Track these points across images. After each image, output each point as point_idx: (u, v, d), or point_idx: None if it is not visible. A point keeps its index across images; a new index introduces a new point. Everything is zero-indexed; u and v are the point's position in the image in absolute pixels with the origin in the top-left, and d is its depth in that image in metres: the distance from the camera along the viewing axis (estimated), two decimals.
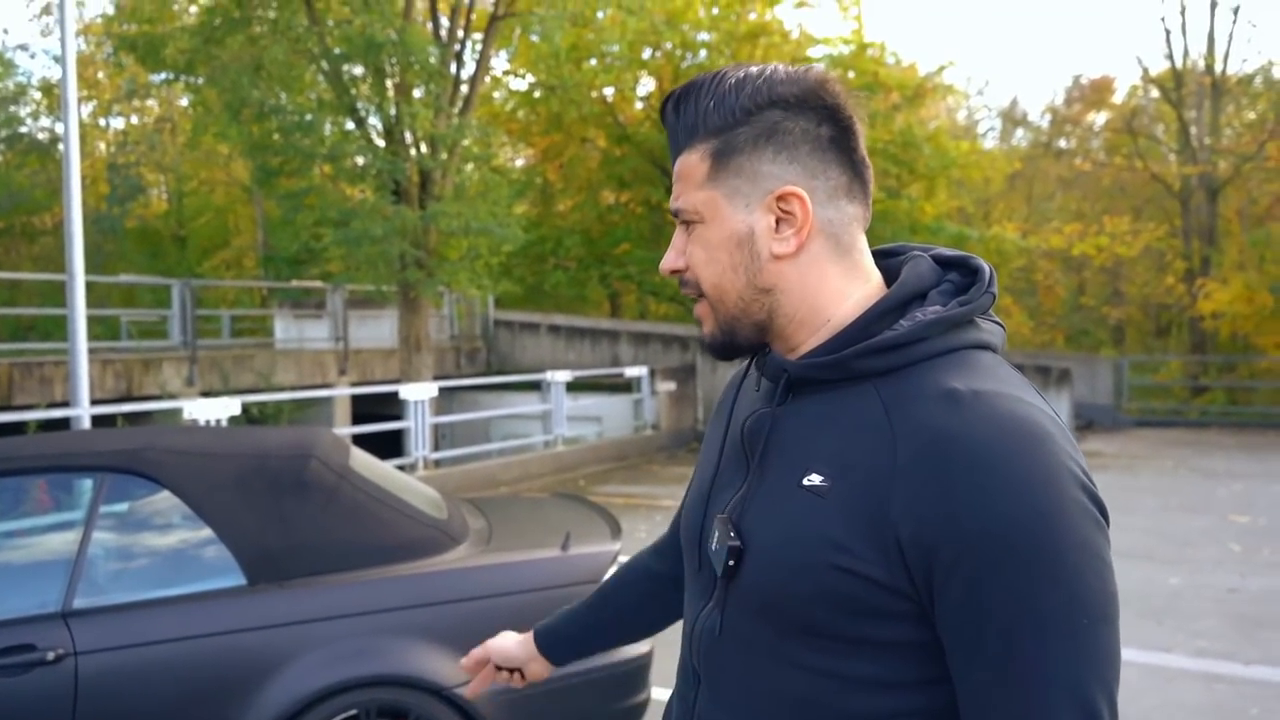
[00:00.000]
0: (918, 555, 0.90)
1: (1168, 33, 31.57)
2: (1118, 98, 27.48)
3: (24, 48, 37.29)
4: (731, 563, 1.01)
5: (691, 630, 1.11)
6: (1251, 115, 23.27)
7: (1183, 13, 27.71)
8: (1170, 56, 22.35)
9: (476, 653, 1.56)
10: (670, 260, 1.09)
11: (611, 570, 3.34)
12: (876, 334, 1.00)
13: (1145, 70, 24.07)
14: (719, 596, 1.05)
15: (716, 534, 1.04)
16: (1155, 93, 24.15)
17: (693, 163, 1.05)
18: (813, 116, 1.02)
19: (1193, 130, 21.84)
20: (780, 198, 1.02)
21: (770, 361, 1.07)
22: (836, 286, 1.04)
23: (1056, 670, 0.87)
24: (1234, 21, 27.90)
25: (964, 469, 0.89)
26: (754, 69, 1.03)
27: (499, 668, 1.54)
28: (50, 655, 2.74)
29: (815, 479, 0.97)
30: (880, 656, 0.94)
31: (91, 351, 9.68)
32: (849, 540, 0.93)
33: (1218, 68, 21.52)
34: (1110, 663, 0.89)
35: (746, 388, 1.17)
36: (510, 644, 1.53)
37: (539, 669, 1.51)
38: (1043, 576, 0.87)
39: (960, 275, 1.08)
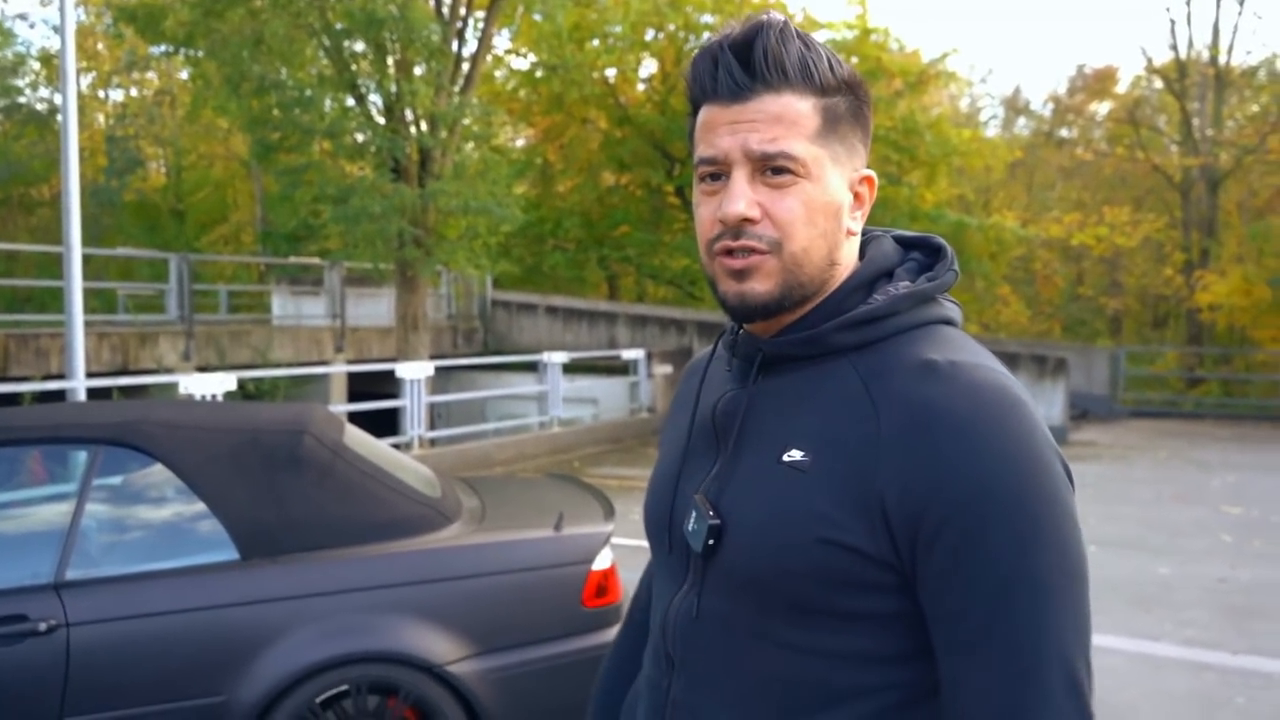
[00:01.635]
0: (903, 523, 0.91)
1: (1172, 23, 31.68)
2: (1121, 88, 27.43)
3: (23, 17, 37.08)
4: (711, 542, 1.00)
5: (665, 615, 1.09)
6: (1254, 108, 23.20)
7: (1188, 3, 27.84)
8: (1174, 47, 22.34)
9: None
10: (745, 207, 0.97)
11: (603, 552, 3.35)
12: (850, 309, 1.02)
13: (1149, 60, 24.12)
14: (695, 578, 1.04)
15: (694, 514, 1.03)
16: (1158, 83, 24.11)
17: (803, 111, 0.98)
18: (868, 105, 1.04)
19: (1195, 122, 21.78)
20: (864, 179, 1.04)
21: (743, 340, 1.07)
22: (848, 268, 1.06)
23: (1043, 631, 0.88)
24: (1239, 13, 27.67)
25: (948, 437, 0.90)
26: (814, 38, 1.01)
27: None
28: (42, 626, 2.75)
29: (796, 455, 0.97)
30: (866, 630, 0.95)
31: (88, 324, 9.67)
32: (835, 513, 0.93)
33: (1222, 59, 21.47)
34: (1087, 622, 0.92)
35: (714, 370, 1.16)
36: None
37: None
38: (1032, 539, 0.89)
39: (923, 254, 1.11)
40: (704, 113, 1.02)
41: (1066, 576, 0.90)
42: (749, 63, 0.97)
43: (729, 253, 1.00)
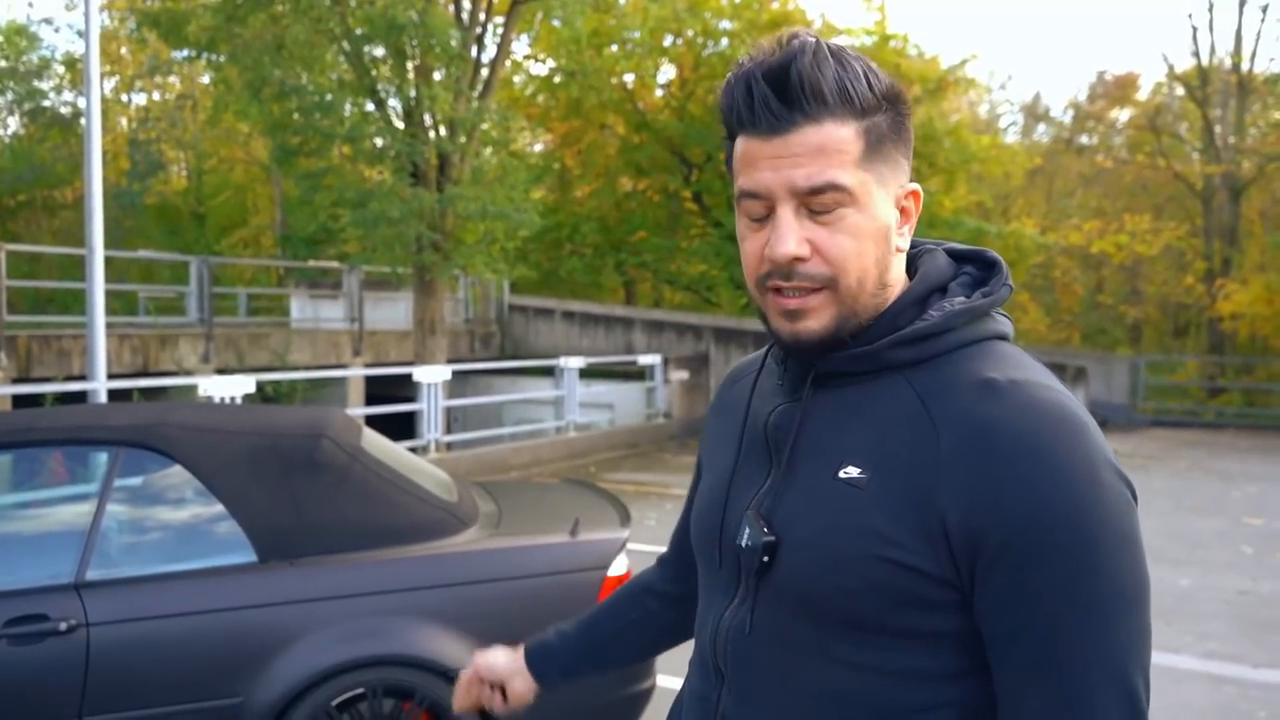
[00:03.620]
0: (964, 542, 0.91)
1: (1194, 30, 31.32)
2: (1142, 94, 27.28)
3: (48, 21, 37.46)
4: (766, 558, 0.99)
5: (715, 630, 1.08)
6: (1277, 115, 23.01)
7: (1210, 10, 27.58)
8: (1196, 54, 22.11)
9: (467, 671, 1.43)
10: (794, 246, 0.96)
11: (619, 558, 3.35)
12: (904, 325, 1.00)
13: (1170, 67, 23.94)
14: (747, 593, 1.03)
15: (748, 529, 1.02)
16: (1180, 90, 23.96)
17: (844, 138, 0.95)
18: (909, 117, 1.02)
19: (1217, 129, 21.64)
20: (909, 194, 1.02)
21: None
22: (898, 285, 1.04)
23: (1099, 653, 0.89)
24: (1262, 19, 27.64)
25: (1010, 457, 0.90)
26: (850, 52, 0.98)
27: (483, 681, 1.40)
28: (63, 626, 2.77)
29: (852, 471, 0.97)
30: (923, 648, 0.95)
31: (109, 326, 9.75)
32: (894, 532, 0.93)
33: (1244, 66, 21.31)
34: (1145, 643, 0.92)
35: (764, 381, 1.14)
36: (498, 657, 1.41)
37: (522, 686, 1.39)
38: (1087, 563, 0.89)
39: (976, 268, 1.09)
40: (742, 143, 0.99)
41: (1122, 599, 0.90)
42: (785, 92, 0.95)
43: (779, 290, 0.99)
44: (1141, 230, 21.56)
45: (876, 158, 0.97)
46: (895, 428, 0.96)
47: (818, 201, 0.95)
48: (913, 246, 1.11)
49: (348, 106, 11.88)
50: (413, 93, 11.41)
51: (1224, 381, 19.36)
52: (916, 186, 1.03)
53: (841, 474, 0.97)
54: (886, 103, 0.98)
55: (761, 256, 0.99)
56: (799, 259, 0.96)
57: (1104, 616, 0.89)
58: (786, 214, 0.96)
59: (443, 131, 11.77)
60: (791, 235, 0.95)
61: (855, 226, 0.96)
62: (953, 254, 1.11)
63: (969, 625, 0.94)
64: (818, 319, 0.98)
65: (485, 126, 12.01)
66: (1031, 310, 24.20)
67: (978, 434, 0.92)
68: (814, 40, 0.96)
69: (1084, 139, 28.56)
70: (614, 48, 18.02)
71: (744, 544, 1.02)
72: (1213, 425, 16.61)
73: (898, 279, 1.03)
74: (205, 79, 22.29)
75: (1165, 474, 11.17)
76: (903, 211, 1.02)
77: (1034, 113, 31.36)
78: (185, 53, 13.09)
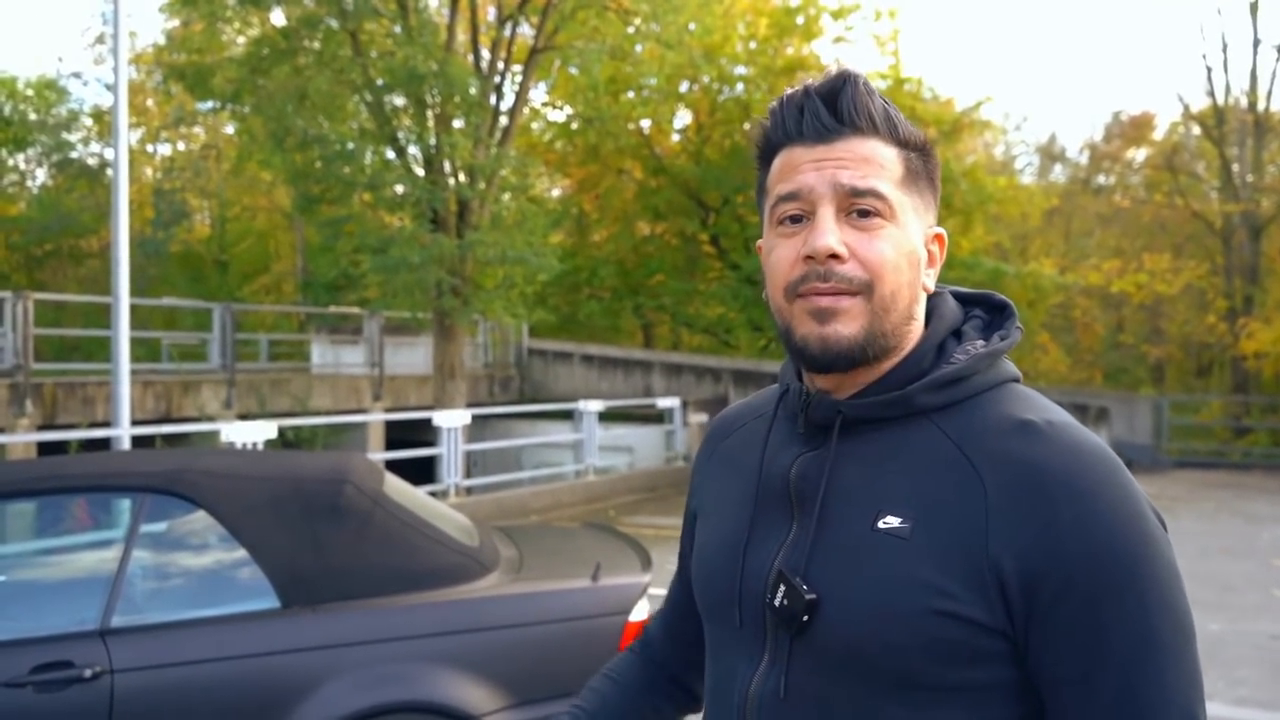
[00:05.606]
0: (1021, 589, 0.89)
1: (1209, 70, 31.37)
2: (1158, 134, 27.31)
3: (77, 75, 38.28)
4: (806, 617, 0.95)
5: (744, 696, 1.02)
6: None
7: (1224, 50, 27.68)
8: (1212, 93, 22.13)
9: None
10: (834, 242, 0.95)
11: (640, 602, 3.33)
12: (929, 368, 1.00)
13: (1186, 107, 23.91)
14: (777, 655, 0.99)
15: (782, 588, 0.97)
16: (1196, 130, 23.95)
17: (888, 156, 0.99)
18: (938, 167, 1.04)
19: (1235, 168, 21.58)
20: (936, 237, 1.05)
21: (819, 401, 1.02)
22: (921, 326, 1.04)
23: (1168, 690, 0.88)
24: (1277, 59, 27.66)
25: (1063, 500, 0.89)
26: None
27: None
28: (87, 673, 2.78)
29: (893, 521, 0.94)
30: (973, 701, 0.92)
31: (133, 373, 9.85)
32: (945, 582, 0.90)
33: (1260, 105, 21.30)
34: (1200, 675, 0.92)
35: (778, 429, 1.09)
36: None
37: None
38: (1152, 600, 0.89)
39: (984, 311, 1.09)
40: (785, 154, 1.01)
41: (1182, 634, 0.90)
42: (836, 108, 0.98)
43: (813, 292, 0.97)
44: (1161, 269, 21.45)
45: (912, 188, 1.00)
46: (933, 474, 0.94)
47: (859, 206, 0.96)
48: None
49: (369, 155, 12.06)
50: (433, 140, 11.58)
51: (1249, 421, 19.12)
52: (942, 231, 1.05)
53: (881, 524, 0.94)
54: (920, 145, 1.02)
55: (795, 260, 0.97)
56: (837, 256, 0.95)
57: (1171, 653, 0.89)
58: (827, 213, 0.96)
59: (462, 178, 11.92)
60: (831, 232, 0.95)
61: (894, 239, 0.97)
62: (958, 296, 1.10)
63: (1019, 675, 0.92)
64: (848, 324, 0.96)
65: (504, 173, 12.15)
66: (1052, 350, 24.07)
67: (1026, 477, 0.90)
68: (863, 75, 1.01)
69: (1101, 179, 28.59)
70: (631, 94, 18.25)
71: (778, 603, 0.97)
72: (1240, 466, 16.39)
73: (921, 318, 1.03)
74: (229, 129, 22.72)
75: (1192, 516, 11.02)
76: (929, 254, 1.04)
77: (1050, 153, 31.45)
78: (210, 104, 13.37)
